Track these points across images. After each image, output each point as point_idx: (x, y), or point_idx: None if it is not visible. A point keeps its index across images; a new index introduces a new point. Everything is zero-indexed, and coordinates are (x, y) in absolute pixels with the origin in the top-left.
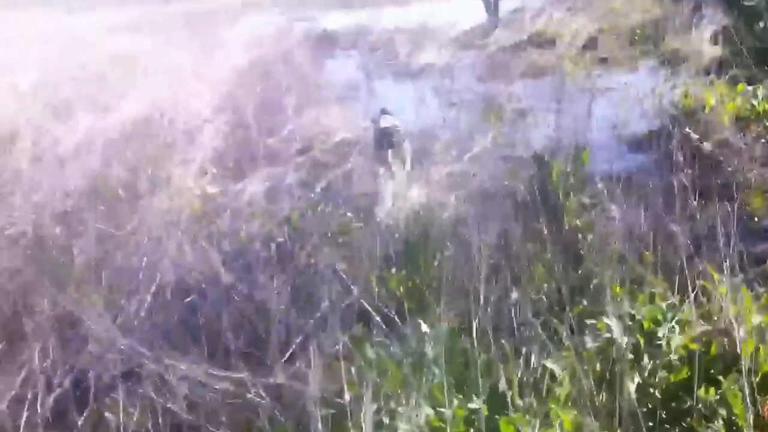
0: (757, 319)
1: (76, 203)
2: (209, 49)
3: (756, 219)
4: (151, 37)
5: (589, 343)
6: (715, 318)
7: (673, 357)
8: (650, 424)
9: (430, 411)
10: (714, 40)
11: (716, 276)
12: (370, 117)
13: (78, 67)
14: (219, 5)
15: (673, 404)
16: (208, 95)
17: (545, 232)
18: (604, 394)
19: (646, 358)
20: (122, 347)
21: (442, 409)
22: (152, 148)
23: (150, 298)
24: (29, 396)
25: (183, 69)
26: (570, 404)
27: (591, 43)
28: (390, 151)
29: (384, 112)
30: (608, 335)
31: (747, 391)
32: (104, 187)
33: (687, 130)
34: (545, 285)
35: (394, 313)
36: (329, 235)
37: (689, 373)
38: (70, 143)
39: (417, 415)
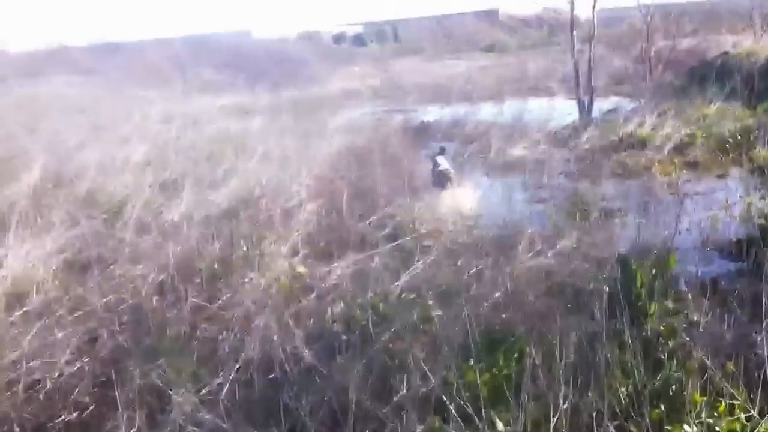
0: None
1: (174, 275)
2: (311, 134)
3: None
4: (258, 121)
5: None
6: None
7: None
8: None
9: None
10: None
11: None
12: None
13: (188, 145)
14: (324, 94)
15: None
16: (307, 178)
17: (626, 334)
18: None
19: None
20: (204, 421)
21: None
22: (249, 226)
23: (234, 373)
24: None
25: (285, 152)
26: None
27: (681, 148)
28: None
29: (442, 151)
30: None
31: None
32: (201, 260)
33: None
34: (623, 388)
35: (470, 406)
36: (411, 322)
37: None
38: (173, 217)
39: None
